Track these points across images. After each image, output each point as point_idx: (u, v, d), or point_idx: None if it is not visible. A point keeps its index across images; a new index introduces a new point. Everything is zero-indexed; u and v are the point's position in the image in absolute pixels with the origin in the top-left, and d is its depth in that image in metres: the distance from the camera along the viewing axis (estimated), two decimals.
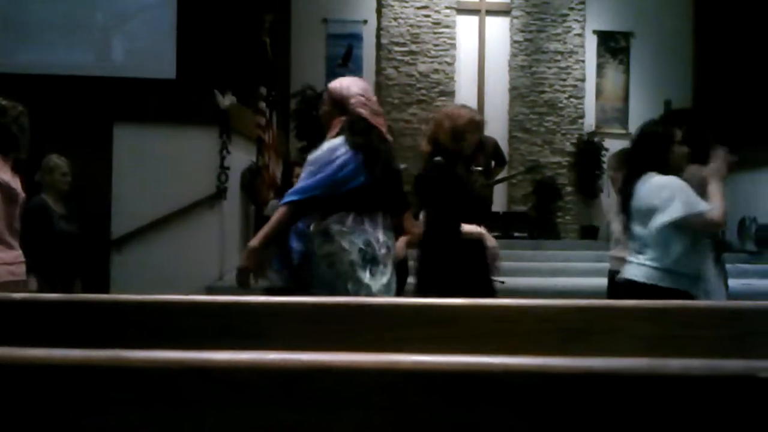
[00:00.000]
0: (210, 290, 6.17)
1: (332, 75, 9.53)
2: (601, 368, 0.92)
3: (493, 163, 6.87)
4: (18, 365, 0.96)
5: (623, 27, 10.22)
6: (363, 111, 2.90)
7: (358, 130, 2.87)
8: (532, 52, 9.96)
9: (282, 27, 8.86)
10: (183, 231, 6.44)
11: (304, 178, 2.86)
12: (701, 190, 3.07)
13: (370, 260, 2.81)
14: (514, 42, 9.96)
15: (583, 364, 0.93)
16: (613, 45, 10.26)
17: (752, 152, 8.74)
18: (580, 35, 10.02)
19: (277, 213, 2.88)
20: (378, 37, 9.87)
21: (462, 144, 3.26)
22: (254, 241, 2.89)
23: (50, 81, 6.55)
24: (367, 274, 2.79)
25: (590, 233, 9.68)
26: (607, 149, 9.63)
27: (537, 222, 9.51)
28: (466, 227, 3.19)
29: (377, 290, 2.79)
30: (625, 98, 10.21)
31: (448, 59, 9.85)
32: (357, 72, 9.74)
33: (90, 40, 7.21)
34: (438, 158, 3.26)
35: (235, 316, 1.80)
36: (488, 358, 0.94)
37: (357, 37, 9.79)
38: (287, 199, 2.86)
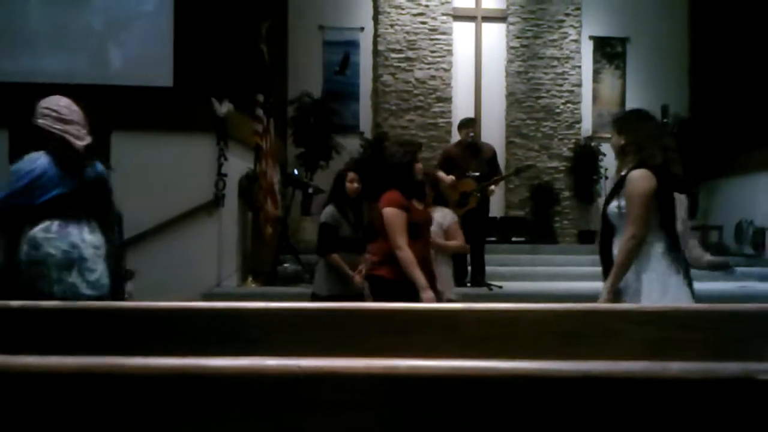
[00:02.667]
0: (207, 297, 6.16)
1: (329, 82, 9.56)
2: (600, 371, 0.92)
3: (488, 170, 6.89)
4: (15, 373, 0.96)
5: (619, 32, 10.26)
6: (42, 121, 3.11)
7: (39, 140, 3.11)
8: (529, 57, 9.99)
9: (279, 34, 8.86)
10: (180, 238, 6.43)
11: (3, 189, 3.08)
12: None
13: (77, 260, 3.02)
14: (510, 48, 9.99)
15: (582, 368, 0.92)
16: (609, 50, 10.29)
17: (748, 156, 8.77)
18: (576, 41, 10.05)
19: None
20: (375, 43, 9.89)
21: None
22: None
23: (47, 89, 6.54)
24: (74, 274, 3.00)
25: (588, 237, 9.68)
26: (604, 154, 9.65)
27: (535, 227, 9.52)
28: None
29: (86, 288, 3.00)
30: (622, 103, 10.23)
31: (444, 66, 9.87)
32: (354, 79, 9.77)
33: (87, 49, 7.21)
34: None
35: (232, 322, 1.80)
36: (486, 362, 0.94)
37: (354, 44, 9.80)
38: None
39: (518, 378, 0.93)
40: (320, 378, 0.93)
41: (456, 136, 7.48)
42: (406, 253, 3.61)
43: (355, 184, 4.67)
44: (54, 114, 3.16)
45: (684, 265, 3.12)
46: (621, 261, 3.05)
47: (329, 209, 4.61)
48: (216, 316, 1.82)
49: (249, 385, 0.94)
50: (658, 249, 3.05)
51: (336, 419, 0.93)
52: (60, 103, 3.23)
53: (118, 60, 7.26)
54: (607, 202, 3.23)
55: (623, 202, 3.09)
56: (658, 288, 3.01)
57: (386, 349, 1.66)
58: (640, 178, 3.02)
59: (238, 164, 7.09)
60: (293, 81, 9.55)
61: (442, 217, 4.28)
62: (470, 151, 6.76)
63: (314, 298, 4.54)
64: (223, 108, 6.64)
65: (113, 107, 6.63)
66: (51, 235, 3.00)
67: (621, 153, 3.19)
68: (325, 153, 9.02)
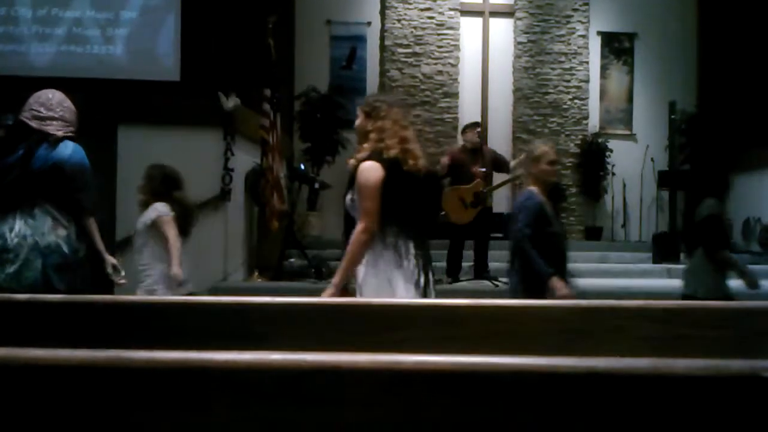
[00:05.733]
0: (214, 291, 6.18)
1: (336, 77, 9.55)
2: (605, 368, 0.92)
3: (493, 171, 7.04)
4: (22, 365, 0.96)
5: (627, 28, 10.20)
6: (24, 115, 3.16)
7: (13, 131, 3.18)
8: (536, 53, 9.95)
9: (286, 29, 8.86)
10: None
11: None
12: None
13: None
14: (517, 43, 9.95)
15: (587, 364, 0.92)
16: (617, 46, 10.24)
17: (757, 153, 8.73)
18: (584, 36, 10.00)
19: None
20: (382, 38, 9.87)
21: None
22: None
23: (54, 83, 6.56)
24: None
25: (594, 234, 9.67)
26: (611, 150, 9.64)
27: None
28: None
29: (2, 279, 2.96)
30: (629, 99, 10.19)
31: (451, 61, 9.84)
32: (361, 73, 9.76)
33: (94, 42, 7.23)
34: None
35: (238, 317, 1.80)
36: (492, 358, 0.94)
37: (361, 39, 9.79)
38: None
39: (523, 374, 0.92)
40: (325, 372, 0.94)
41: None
42: None
43: None
44: (41, 114, 3.17)
45: (422, 261, 2.94)
46: (350, 255, 2.91)
47: (713, 202, 4.28)
48: (222, 311, 1.83)
49: (254, 380, 0.94)
50: (380, 245, 2.92)
51: (341, 414, 0.94)
52: (53, 100, 3.23)
53: (126, 54, 7.27)
54: (345, 192, 3.08)
55: (356, 195, 2.96)
56: (382, 284, 2.88)
57: (391, 345, 1.66)
58: (367, 170, 2.91)
59: (245, 159, 7.09)
60: (300, 76, 9.55)
61: (152, 210, 4.22)
62: (474, 154, 6.89)
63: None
64: (230, 102, 6.65)
65: (120, 101, 6.66)
66: None
67: (364, 138, 3.03)
68: (331, 148, 9.02)
